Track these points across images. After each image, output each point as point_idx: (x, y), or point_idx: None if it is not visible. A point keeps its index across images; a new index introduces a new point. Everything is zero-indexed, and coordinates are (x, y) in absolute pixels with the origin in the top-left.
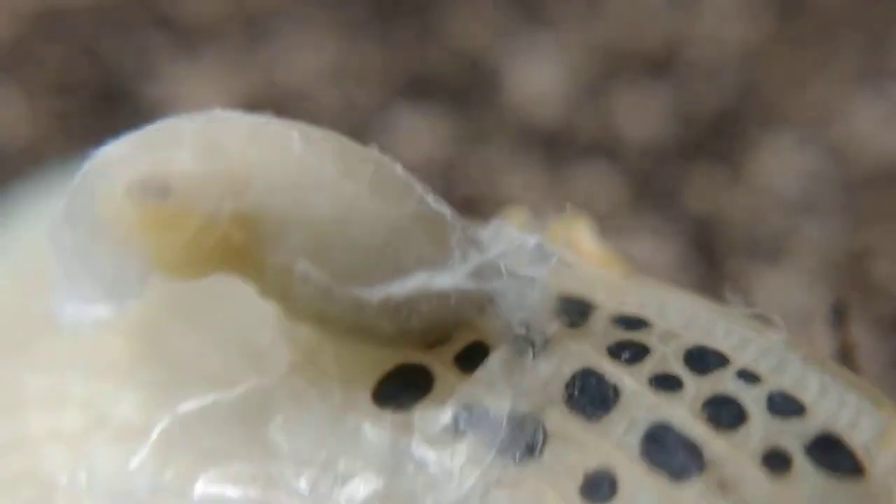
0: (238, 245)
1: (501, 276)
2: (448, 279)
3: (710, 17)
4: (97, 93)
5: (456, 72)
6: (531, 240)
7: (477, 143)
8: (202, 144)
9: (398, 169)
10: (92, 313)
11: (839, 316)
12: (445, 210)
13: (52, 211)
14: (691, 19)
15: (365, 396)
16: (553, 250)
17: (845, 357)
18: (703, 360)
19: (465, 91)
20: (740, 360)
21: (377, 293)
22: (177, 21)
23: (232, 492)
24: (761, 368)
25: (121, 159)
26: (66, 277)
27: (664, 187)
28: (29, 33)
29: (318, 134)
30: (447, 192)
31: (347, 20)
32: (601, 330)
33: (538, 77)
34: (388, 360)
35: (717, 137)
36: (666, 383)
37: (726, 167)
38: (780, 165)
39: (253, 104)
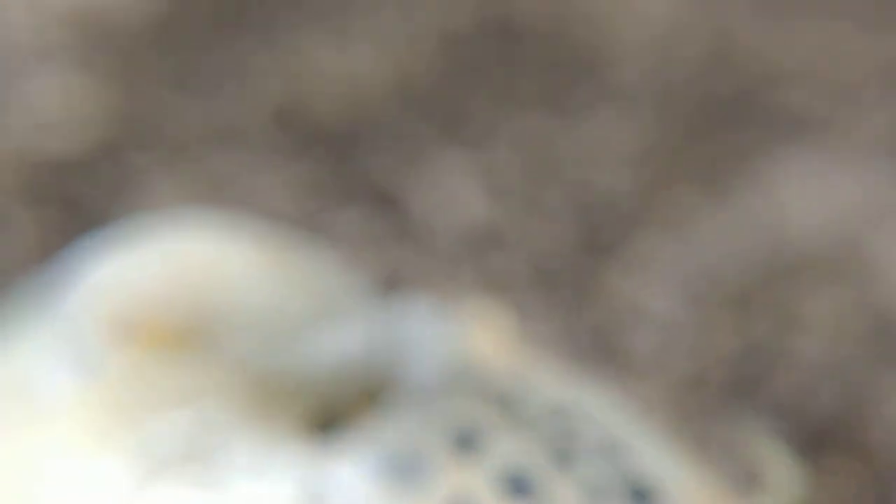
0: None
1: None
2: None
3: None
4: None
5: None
6: (428, 317)
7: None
8: (172, 270)
9: (324, 271)
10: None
11: (746, 437)
12: (355, 303)
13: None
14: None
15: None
16: (448, 329)
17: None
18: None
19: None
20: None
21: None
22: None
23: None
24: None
25: (105, 291)
26: (49, 358)
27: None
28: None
29: (264, 252)
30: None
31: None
32: (449, 412)
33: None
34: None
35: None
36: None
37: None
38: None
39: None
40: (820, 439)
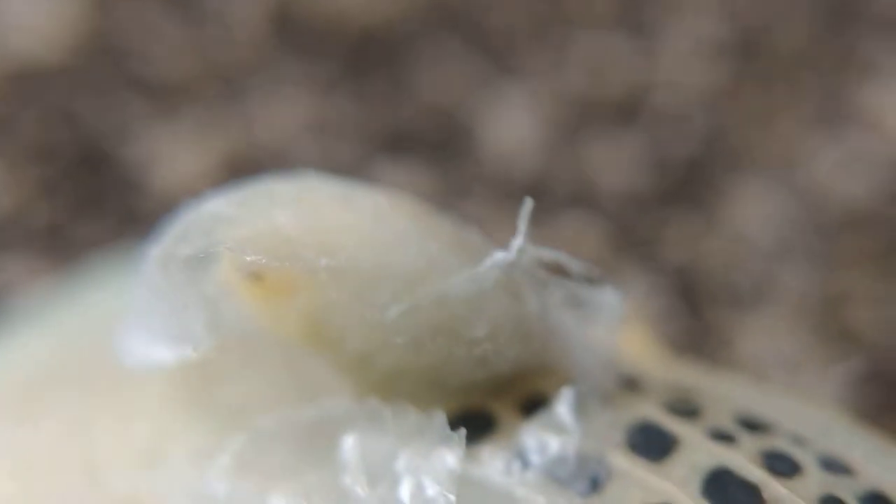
0: (329, 300)
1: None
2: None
3: (670, 62)
4: (76, 157)
5: (431, 125)
6: (607, 295)
7: (457, 196)
8: (299, 206)
9: (475, 233)
10: (161, 356)
11: None
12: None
13: (113, 285)
14: (653, 65)
15: (441, 421)
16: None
17: None
18: (752, 422)
19: (441, 145)
20: (787, 425)
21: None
22: (152, 81)
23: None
24: (809, 434)
25: (223, 219)
26: (142, 320)
27: (643, 237)
28: (3, 98)
29: (397, 198)
30: None
31: (320, 75)
32: (655, 392)
33: (512, 128)
34: (451, 406)
35: (689, 185)
36: (722, 437)
37: (701, 215)
38: (752, 212)
39: (233, 163)
40: None
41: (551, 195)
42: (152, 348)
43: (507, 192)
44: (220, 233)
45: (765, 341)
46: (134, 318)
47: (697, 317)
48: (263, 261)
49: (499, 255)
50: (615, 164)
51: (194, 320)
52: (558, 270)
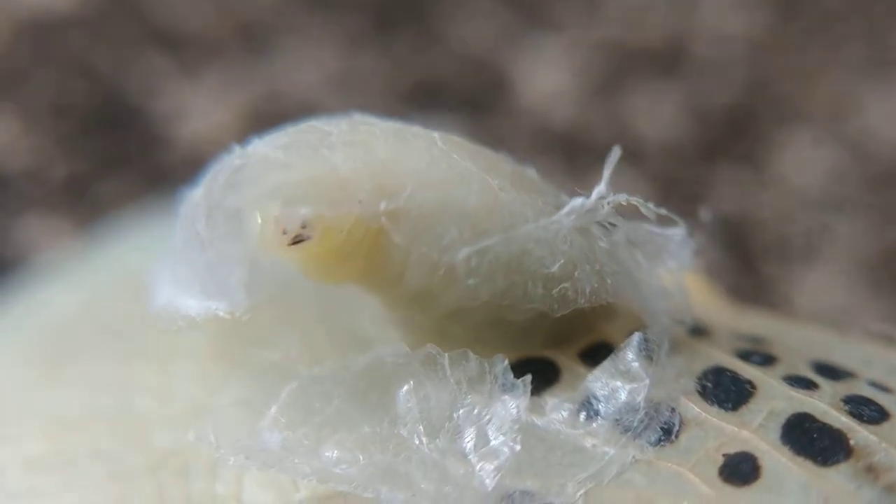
0: (390, 245)
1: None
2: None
3: (710, 11)
4: (96, 112)
5: (463, 77)
6: (678, 233)
7: (492, 149)
8: (351, 146)
9: (531, 170)
10: (192, 310)
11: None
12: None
13: (147, 239)
14: (692, 14)
15: (503, 367)
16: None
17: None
18: (831, 370)
19: (474, 97)
20: (867, 374)
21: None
22: (173, 34)
23: (361, 455)
24: (891, 382)
25: (274, 164)
26: (177, 270)
27: (688, 190)
28: (18, 51)
29: (452, 136)
30: None
31: (348, 29)
32: (725, 339)
33: (548, 80)
34: (510, 354)
35: (735, 135)
36: (801, 383)
37: (748, 166)
38: (802, 163)
39: (257, 118)
40: None
41: (589, 148)
42: (184, 301)
43: (543, 146)
44: (271, 179)
45: (820, 295)
46: (168, 268)
47: (750, 272)
48: (320, 209)
49: (577, 201)
50: (656, 115)
51: (234, 277)
52: (627, 214)
